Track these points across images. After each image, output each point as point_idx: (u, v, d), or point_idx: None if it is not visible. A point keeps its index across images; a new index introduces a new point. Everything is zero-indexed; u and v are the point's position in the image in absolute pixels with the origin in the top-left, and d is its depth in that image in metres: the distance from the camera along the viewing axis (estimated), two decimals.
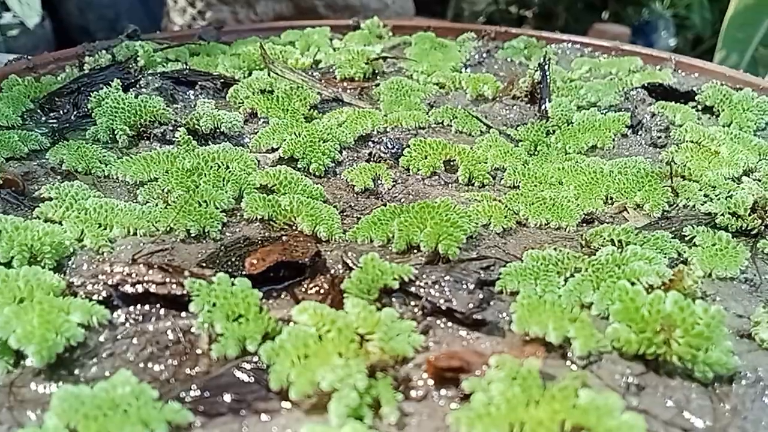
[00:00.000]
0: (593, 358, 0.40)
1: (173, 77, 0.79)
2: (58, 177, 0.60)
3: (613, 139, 0.73)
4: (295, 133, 0.67)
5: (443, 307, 0.43)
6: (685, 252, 0.51)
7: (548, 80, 0.81)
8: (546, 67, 0.81)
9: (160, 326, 0.43)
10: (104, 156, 0.63)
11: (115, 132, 0.68)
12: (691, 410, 0.37)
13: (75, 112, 0.73)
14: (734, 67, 2.41)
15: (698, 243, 0.52)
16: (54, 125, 0.71)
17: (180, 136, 0.64)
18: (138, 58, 0.82)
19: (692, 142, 0.70)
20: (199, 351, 0.41)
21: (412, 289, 0.45)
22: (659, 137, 0.72)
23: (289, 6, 1.67)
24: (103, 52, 0.87)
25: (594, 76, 0.94)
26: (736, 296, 0.47)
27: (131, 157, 0.63)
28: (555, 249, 0.50)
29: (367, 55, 0.91)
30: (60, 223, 0.52)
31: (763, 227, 0.54)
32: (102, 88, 0.74)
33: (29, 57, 0.85)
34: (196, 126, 0.67)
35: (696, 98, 0.82)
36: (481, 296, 0.43)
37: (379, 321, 0.40)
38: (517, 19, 4.32)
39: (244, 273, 0.46)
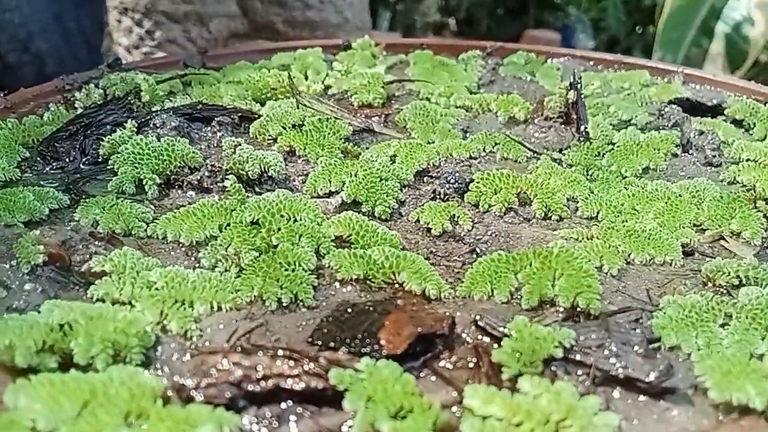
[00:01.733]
0: None
1: (186, 113, 0.71)
2: (100, 243, 0.51)
3: (665, 159, 0.71)
4: (353, 174, 0.61)
5: (621, 376, 0.39)
6: None
7: (584, 100, 0.78)
8: (579, 86, 0.78)
9: (304, 429, 0.36)
10: (143, 213, 0.55)
11: (143, 182, 0.59)
12: None
13: (83, 160, 0.63)
14: None
15: None
16: (63, 177, 0.61)
17: (231, 185, 0.56)
18: (142, 93, 0.73)
19: (751, 160, 0.69)
20: None
21: (576, 356, 0.40)
22: (714, 156, 0.70)
23: (245, 23, 1.57)
24: (92, 86, 0.76)
25: (607, 91, 0.92)
26: None
27: (176, 213, 0.54)
28: (696, 293, 0.46)
29: (381, 79, 0.85)
30: (130, 304, 0.44)
31: None
32: (112, 130, 0.65)
33: (5, 95, 0.74)
34: (241, 171, 0.59)
35: (725, 112, 0.81)
36: (662, 360, 0.39)
37: (571, 406, 0.35)
38: (438, 25, 4.35)
39: (383, 353, 0.39)
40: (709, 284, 0.50)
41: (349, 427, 0.36)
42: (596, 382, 0.39)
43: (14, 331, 0.38)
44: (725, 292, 0.48)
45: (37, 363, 0.38)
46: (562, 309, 0.45)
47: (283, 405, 0.37)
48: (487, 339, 0.42)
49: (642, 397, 0.39)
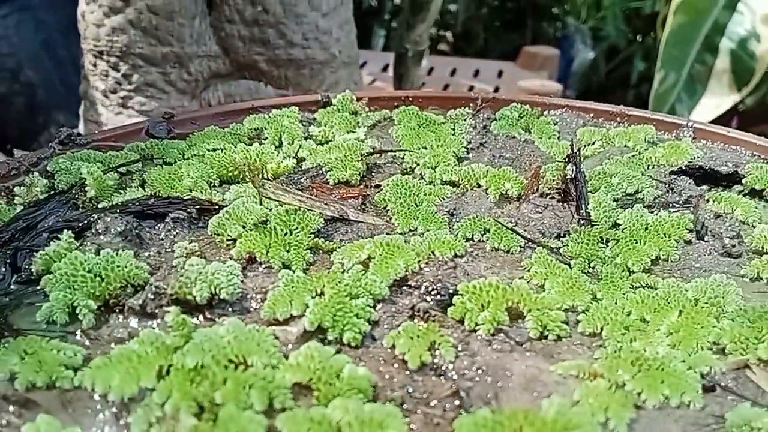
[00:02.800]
0: None
1: (136, 210, 0.63)
2: (13, 409, 0.43)
3: (677, 248, 0.63)
4: (318, 292, 0.53)
5: None
6: None
7: (584, 175, 0.70)
8: (578, 161, 0.70)
9: None
10: (70, 357, 0.47)
11: (76, 309, 0.51)
12: None
13: (14, 278, 0.56)
14: (673, 85, 2.43)
15: None
16: None
17: (172, 318, 0.48)
18: (87, 188, 0.65)
19: None
20: None
21: None
22: (733, 246, 0.62)
23: (227, 63, 1.50)
24: (37, 176, 0.69)
25: (609, 150, 0.84)
26: None
27: (110, 356, 0.46)
28: None
29: (359, 151, 0.78)
30: None
31: None
32: (48, 239, 0.57)
33: None
34: (188, 296, 0.52)
35: (742, 181, 0.73)
36: None
37: None
38: (435, 39, 4.28)
39: None
40: None
41: None
42: None
43: None
44: None
45: None
46: None
47: None
48: None
49: None
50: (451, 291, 0.55)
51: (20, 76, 2.43)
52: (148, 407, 0.43)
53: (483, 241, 0.65)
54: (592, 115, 0.94)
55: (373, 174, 0.78)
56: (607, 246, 0.63)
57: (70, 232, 0.57)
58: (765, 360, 0.49)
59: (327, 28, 1.53)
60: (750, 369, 0.48)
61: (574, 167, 0.70)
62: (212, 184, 0.73)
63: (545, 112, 0.94)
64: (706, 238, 0.64)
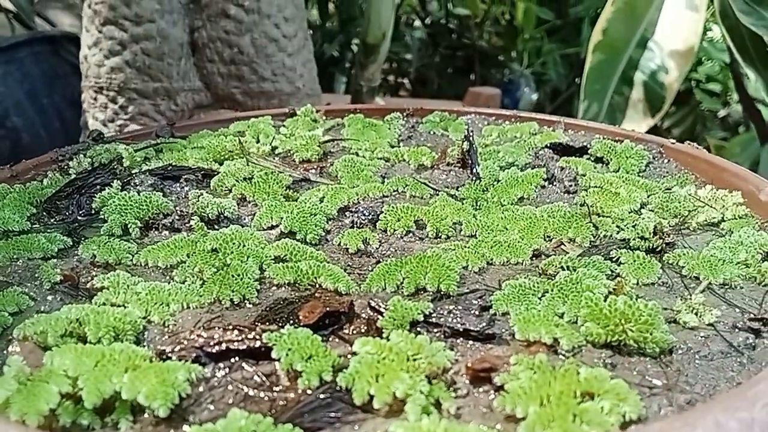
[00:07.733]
0: (576, 351, 0.56)
1: (159, 174, 0.90)
2: (98, 269, 0.69)
3: (535, 190, 0.92)
4: (289, 211, 0.80)
5: (460, 329, 0.57)
6: (616, 269, 0.68)
7: (476, 148, 0.99)
8: (471, 138, 0.99)
9: (245, 374, 0.54)
10: (129, 248, 0.73)
11: (128, 226, 0.77)
12: (650, 375, 0.53)
13: (79, 212, 0.82)
14: (595, 115, 2.78)
15: (623, 261, 0.69)
16: (64, 226, 0.79)
17: (195, 223, 0.75)
18: (123, 160, 0.92)
19: (596, 187, 0.89)
20: (284, 388, 0.53)
21: (432, 319, 0.59)
22: (570, 185, 0.91)
23: (208, 95, 1.78)
24: (82, 156, 0.95)
25: (503, 140, 1.13)
26: (659, 296, 0.65)
27: (154, 246, 0.73)
28: (526, 278, 0.65)
29: (318, 140, 1.06)
30: (124, 306, 0.61)
31: (663, 245, 0.73)
32: (101, 189, 0.84)
33: (10, 166, 0.93)
34: (203, 213, 0.78)
35: (589, 152, 1.02)
36: (488, 317, 0.58)
37: (420, 345, 0.54)
38: (394, 86, 4.63)
39: (301, 324, 0.58)
40: (543, 275, 0.69)
41: (276, 370, 0.54)
42: (446, 336, 0.58)
43: (45, 323, 0.56)
44: (551, 277, 0.68)
45: (61, 344, 0.55)
46: (430, 292, 0.64)
47: (233, 360, 0.55)
48: (376, 315, 0.61)
49: (476, 343, 0.57)
50: (378, 213, 0.82)
51: (6, 122, 2.68)
52: (184, 268, 0.69)
53: (404, 192, 0.92)
54: (494, 117, 1.24)
55: (328, 157, 1.06)
56: (489, 191, 0.92)
57: (118, 182, 0.84)
58: (572, 239, 0.77)
59: (292, 65, 1.82)
60: (564, 244, 0.76)
61: (468, 142, 0.98)
62: (209, 164, 1.00)
63: (459, 117, 1.24)
64: (554, 183, 0.93)
